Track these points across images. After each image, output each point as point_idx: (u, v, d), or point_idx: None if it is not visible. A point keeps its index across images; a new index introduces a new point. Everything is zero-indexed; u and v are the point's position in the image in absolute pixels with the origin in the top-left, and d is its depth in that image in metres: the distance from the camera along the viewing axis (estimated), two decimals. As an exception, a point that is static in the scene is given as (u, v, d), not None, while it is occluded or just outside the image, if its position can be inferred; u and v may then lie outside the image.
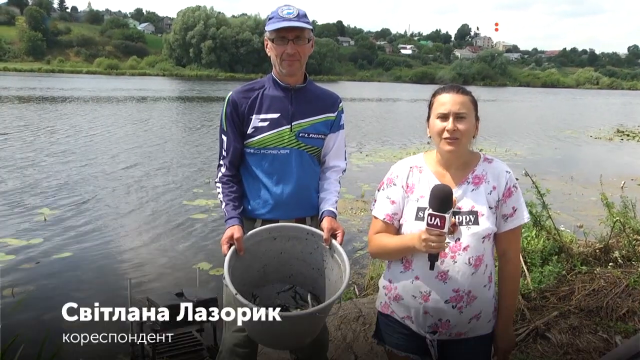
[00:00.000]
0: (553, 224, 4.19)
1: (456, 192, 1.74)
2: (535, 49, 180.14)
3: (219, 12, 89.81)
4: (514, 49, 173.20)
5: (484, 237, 1.72)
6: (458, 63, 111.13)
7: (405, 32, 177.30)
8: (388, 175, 1.94)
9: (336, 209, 2.26)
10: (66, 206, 8.32)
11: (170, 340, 4.03)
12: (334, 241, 2.13)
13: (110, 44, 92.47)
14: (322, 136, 2.30)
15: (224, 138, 2.31)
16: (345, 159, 2.39)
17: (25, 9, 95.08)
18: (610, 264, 3.98)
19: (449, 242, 1.71)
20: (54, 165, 11.47)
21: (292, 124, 2.24)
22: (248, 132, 2.26)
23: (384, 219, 1.86)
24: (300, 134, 2.25)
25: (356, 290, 4.51)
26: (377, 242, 1.87)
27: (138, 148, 14.35)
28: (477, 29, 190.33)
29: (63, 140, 15.03)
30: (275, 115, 2.25)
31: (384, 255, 1.91)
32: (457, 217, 1.71)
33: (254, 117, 2.25)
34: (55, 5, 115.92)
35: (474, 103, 1.78)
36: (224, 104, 2.29)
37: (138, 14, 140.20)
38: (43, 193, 9.07)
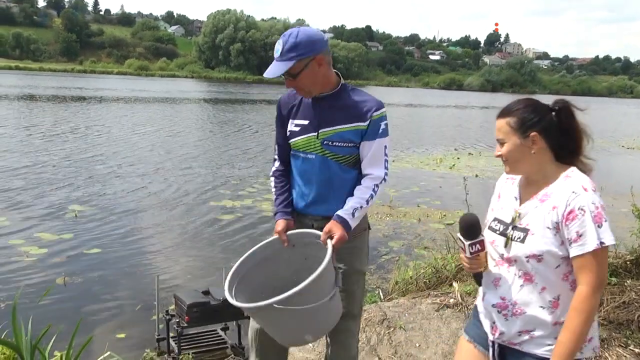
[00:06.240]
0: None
1: (525, 207, 1.76)
2: (566, 56, 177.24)
3: (249, 16, 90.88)
4: (544, 55, 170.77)
5: (528, 257, 1.70)
6: (487, 69, 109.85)
7: (434, 37, 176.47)
8: None
9: (353, 214, 2.26)
10: (96, 204, 8.51)
11: (195, 337, 4.10)
12: (328, 242, 2.16)
13: (141, 45, 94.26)
14: (351, 144, 2.33)
15: (275, 135, 2.54)
16: (386, 168, 2.35)
17: (62, 11, 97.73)
18: (642, 276, 3.89)
19: (485, 266, 1.83)
20: (86, 163, 11.74)
21: (319, 131, 2.33)
22: (287, 134, 2.45)
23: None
24: (325, 142, 2.32)
25: (381, 294, 4.51)
26: None
27: (167, 148, 14.58)
28: (507, 35, 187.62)
29: (95, 140, 15.37)
30: (305, 122, 2.38)
31: None
32: (514, 231, 1.75)
33: (290, 121, 2.43)
34: (90, 8, 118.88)
35: (514, 123, 1.75)
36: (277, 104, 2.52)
37: (169, 17, 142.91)
38: (74, 190, 9.29)
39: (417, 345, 3.35)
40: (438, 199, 10.00)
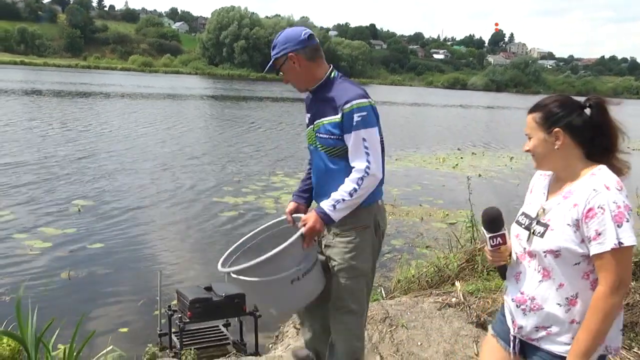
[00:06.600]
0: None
1: (549, 203, 1.77)
2: (571, 56, 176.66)
3: (253, 13, 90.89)
4: (549, 55, 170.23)
5: (546, 252, 1.71)
6: (491, 69, 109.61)
7: (439, 36, 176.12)
8: None
9: (334, 206, 2.36)
10: (99, 199, 8.53)
11: (197, 333, 4.11)
12: (302, 229, 2.36)
13: (145, 42, 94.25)
14: (333, 137, 2.42)
15: None
16: (368, 161, 2.36)
17: (66, 7, 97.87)
18: (646, 277, 3.88)
19: (508, 260, 1.86)
20: (89, 159, 11.77)
21: (314, 123, 2.51)
22: None
23: None
24: (317, 134, 2.48)
25: (383, 292, 4.51)
26: None
27: (173, 145, 14.61)
28: (512, 35, 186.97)
29: (99, 135, 15.40)
30: (309, 115, 2.58)
31: None
32: (537, 226, 1.76)
33: (305, 115, 2.63)
34: (94, 4, 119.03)
35: (539, 118, 1.76)
36: None
37: (173, 14, 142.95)
38: (79, 185, 9.32)
39: (419, 343, 3.35)
40: (441, 198, 10.00)
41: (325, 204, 2.37)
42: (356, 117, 2.35)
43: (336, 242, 2.49)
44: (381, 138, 2.48)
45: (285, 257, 2.26)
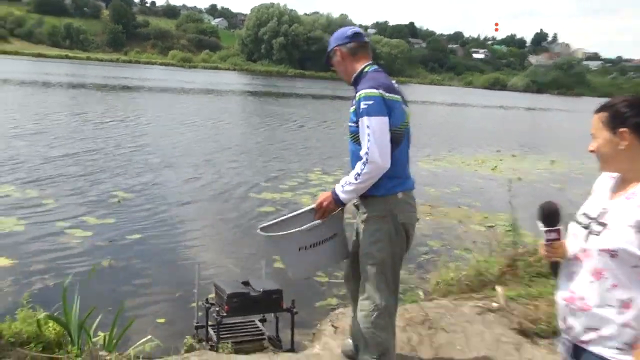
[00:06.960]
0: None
1: (611, 203, 1.73)
2: (619, 57, 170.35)
3: (292, 10, 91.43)
4: (594, 56, 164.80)
5: (601, 251, 1.67)
6: (532, 70, 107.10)
7: (479, 35, 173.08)
8: None
9: (343, 186, 2.58)
10: (140, 191, 8.69)
11: (233, 327, 4.12)
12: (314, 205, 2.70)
13: (184, 37, 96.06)
14: (353, 124, 2.63)
15: None
16: (368, 148, 2.49)
17: (110, 3, 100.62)
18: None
19: (561, 257, 1.82)
20: (132, 152, 12.02)
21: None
22: None
23: None
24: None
25: (421, 293, 4.44)
26: None
27: (214, 140, 14.79)
28: (555, 34, 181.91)
29: (143, 129, 15.73)
30: None
31: None
32: (596, 225, 1.72)
33: None
34: (136, 0, 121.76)
35: (605, 118, 1.72)
36: None
37: (212, 10, 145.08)
38: (119, 178, 9.52)
39: (459, 348, 3.27)
40: (479, 200, 9.79)
41: (338, 185, 2.60)
42: (362, 105, 2.51)
43: (361, 228, 2.67)
44: (399, 131, 2.58)
45: (299, 225, 2.60)
